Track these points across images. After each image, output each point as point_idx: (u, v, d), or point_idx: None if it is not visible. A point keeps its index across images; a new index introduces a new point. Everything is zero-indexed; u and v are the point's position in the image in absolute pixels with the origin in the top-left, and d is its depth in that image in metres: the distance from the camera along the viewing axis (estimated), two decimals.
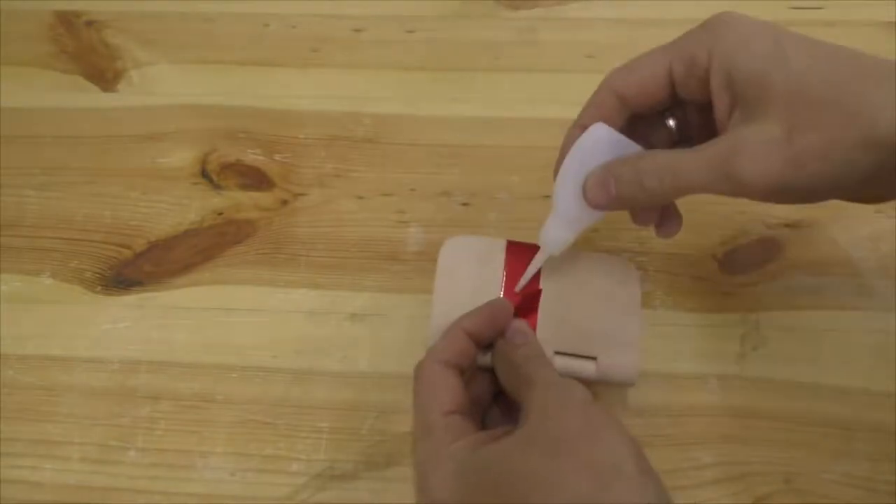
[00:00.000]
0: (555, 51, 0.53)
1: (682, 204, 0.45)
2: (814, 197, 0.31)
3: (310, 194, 0.46)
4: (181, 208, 0.46)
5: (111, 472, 0.37)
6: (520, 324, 0.35)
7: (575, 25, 0.55)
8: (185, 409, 0.38)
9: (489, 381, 0.35)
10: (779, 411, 0.37)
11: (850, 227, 0.44)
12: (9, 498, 0.36)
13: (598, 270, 0.38)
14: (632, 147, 0.34)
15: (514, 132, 0.49)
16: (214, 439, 0.37)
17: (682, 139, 0.36)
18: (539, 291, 0.37)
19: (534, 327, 0.36)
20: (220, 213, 0.46)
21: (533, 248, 0.37)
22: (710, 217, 0.44)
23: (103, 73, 0.53)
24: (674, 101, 0.34)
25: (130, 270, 0.43)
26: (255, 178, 0.47)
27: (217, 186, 0.47)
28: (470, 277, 0.37)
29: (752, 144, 0.29)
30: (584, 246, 0.43)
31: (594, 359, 0.35)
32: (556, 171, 0.35)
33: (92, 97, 0.52)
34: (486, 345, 0.35)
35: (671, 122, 0.36)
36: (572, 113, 0.49)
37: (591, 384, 0.36)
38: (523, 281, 0.37)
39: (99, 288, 0.43)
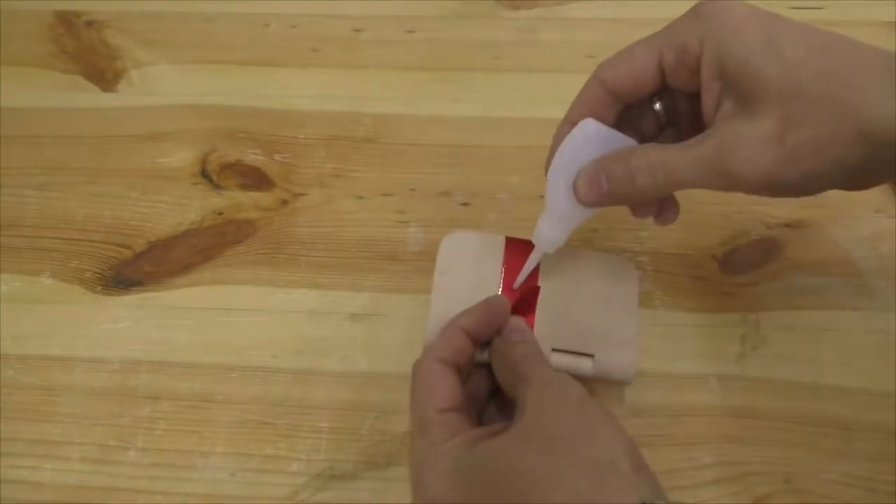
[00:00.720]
0: (555, 51, 0.53)
1: (681, 204, 0.45)
2: (804, 191, 0.30)
3: (310, 194, 0.46)
4: (181, 208, 0.46)
5: (111, 472, 0.37)
6: (517, 321, 0.35)
7: (575, 25, 0.55)
8: (185, 409, 0.38)
9: (486, 378, 0.35)
10: (779, 411, 0.37)
11: (850, 227, 0.44)
12: (9, 498, 0.36)
13: (597, 269, 0.38)
14: (622, 141, 0.33)
15: (514, 132, 0.49)
16: (214, 439, 0.37)
17: (670, 123, 0.35)
18: (537, 289, 0.37)
19: (532, 325, 0.36)
20: (220, 213, 0.46)
21: (532, 245, 0.37)
22: (710, 217, 0.44)
23: (103, 73, 0.53)
24: (662, 88, 0.33)
25: (130, 270, 0.43)
26: (255, 178, 0.47)
27: (217, 186, 0.47)
28: (468, 274, 0.37)
29: (746, 141, 0.29)
30: (584, 245, 0.43)
31: (591, 356, 0.35)
32: (546, 168, 0.35)
33: (92, 97, 0.52)
34: (485, 342, 0.35)
35: (658, 107, 0.35)
36: None
37: (589, 382, 0.36)
38: (520, 279, 0.37)
39: (99, 288, 0.43)
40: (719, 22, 0.30)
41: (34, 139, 0.50)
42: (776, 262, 0.43)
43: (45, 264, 0.44)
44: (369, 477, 0.36)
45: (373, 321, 0.41)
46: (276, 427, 0.38)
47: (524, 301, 0.36)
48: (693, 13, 0.32)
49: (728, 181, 0.30)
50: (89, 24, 0.56)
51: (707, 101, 0.31)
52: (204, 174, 0.47)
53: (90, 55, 0.54)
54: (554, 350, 0.35)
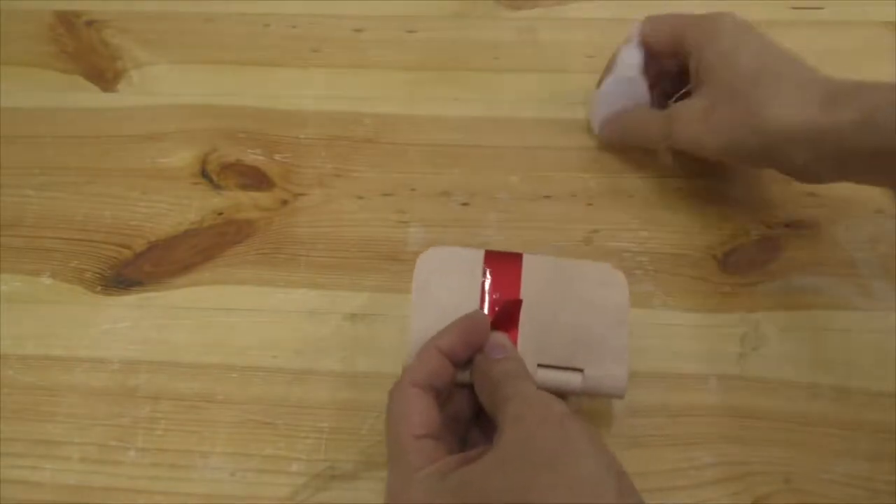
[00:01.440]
0: (555, 51, 0.53)
1: (682, 204, 0.45)
2: (737, 158, 0.41)
3: (310, 194, 0.46)
4: (181, 208, 0.46)
5: (111, 472, 0.37)
6: (499, 337, 0.34)
7: (575, 25, 0.55)
8: (185, 409, 0.38)
9: (469, 399, 0.34)
10: (779, 411, 0.37)
11: (850, 227, 0.44)
12: (9, 498, 0.36)
13: (583, 278, 0.36)
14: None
15: (514, 132, 0.49)
16: (214, 439, 0.37)
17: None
18: (519, 302, 0.35)
19: (515, 340, 0.34)
20: (220, 213, 0.46)
21: (512, 257, 0.36)
22: (710, 217, 0.44)
23: (103, 73, 0.53)
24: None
25: (130, 270, 0.43)
26: (255, 178, 0.47)
27: (217, 186, 0.47)
28: (447, 290, 0.36)
29: (684, 113, 0.41)
30: (585, 245, 0.43)
31: (580, 371, 0.34)
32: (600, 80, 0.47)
33: (92, 97, 0.52)
34: (465, 362, 0.33)
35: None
36: (572, 113, 0.50)
37: (579, 398, 0.36)
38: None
39: (99, 288, 0.43)
40: (712, 27, 0.41)
41: (34, 139, 0.50)
42: (776, 262, 0.43)
43: (45, 264, 0.44)
44: (369, 477, 0.36)
45: (373, 321, 0.41)
46: (276, 427, 0.38)
47: (505, 315, 0.35)
48: (707, 15, 0.42)
49: (673, 140, 0.42)
50: (89, 24, 0.56)
51: (691, 79, 0.42)
52: (204, 174, 0.47)
53: (90, 55, 0.54)
54: (540, 366, 0.34)
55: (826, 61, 0.52)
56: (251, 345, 0.40)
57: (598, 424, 0.38)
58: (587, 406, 0.38)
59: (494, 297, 0.35)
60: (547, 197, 0.46)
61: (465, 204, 0.46)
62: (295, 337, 0.41)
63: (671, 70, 0.45)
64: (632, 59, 0.44)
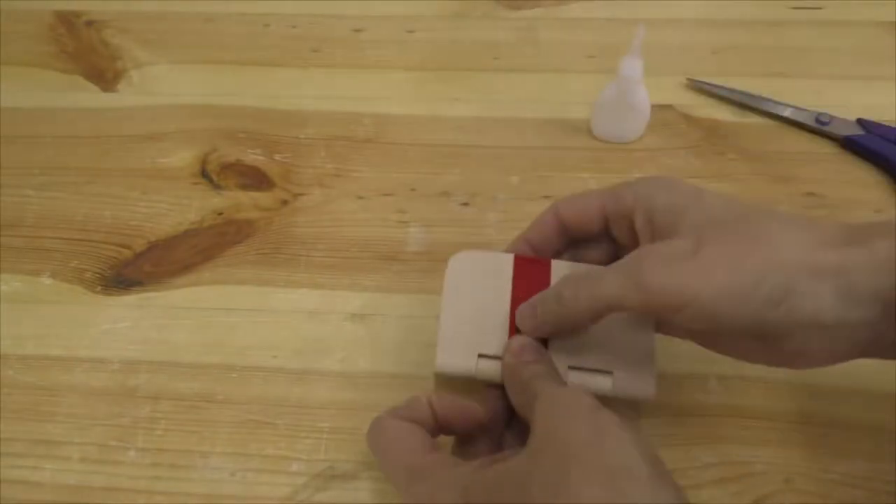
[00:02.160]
0: (555, 51, 0.53)
1: None
2: (727, 323, 0.29)
3: (310, 194, 0.46)
4: (181, 208, 0.46)
5: (111, 472, 0.37)
6: (528, 341, 0.34)
7: (575, 25, 0.55)
8: (185, 409, 0.38)
9: (502, 401, 0.34)
10: (779, 411, 0.37)
11: None
12: (9, 498, 0.36)
13: None
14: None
15: (514, 132, 0.49)
16: (214, 439, 0.37)
17: None
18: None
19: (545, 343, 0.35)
20: (220, 213, 0.46)
21: (541, 263, 0.36)
22: None
23: (103, 73, 0.53)
24: (613, 249, 0.36)
25: (130, 270, 0.43)
26: (255, 178, 0.47)
27: (217, 186, 0.47)
28: (478, 294, 0.36)
29: (661, 253, 0.30)
30: None
31: (610, 373, 0.34)
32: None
33: (92, 97, 0.52)
34: (446, 432, 0.33)
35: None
36: (572, 113, 0.50)
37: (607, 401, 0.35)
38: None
39: (99, 288, 0.43)
40: (653, 182, 0.34)
41: (34, 139, 0.50)
42: None
43: (45, 264, 0.44)
44: (369, 477, 0.36)
45: (373, 321, 0.41)
46: (276, 427, 0.38)
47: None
48: (638, 179, 0.35)
49: (644, 293, 0.30)
50: (89, 24, 0.56)
51: (642, 244, 0.33)
52: (204, 174, 0.47)
53: (90, 55, 0.54)
54: (570, 368, 0.34)
55: (826, 61, 0.52)
56: (251, 345, 0.40)
57: None
58: None
59: (524, 301, 0.35)
60: (547, 197, 0.46)
61: (465, 204, 0.46)
62: (295, 337, 0.41)
63: (595, 259, 0.37)
64: (632, 68, 0.44)
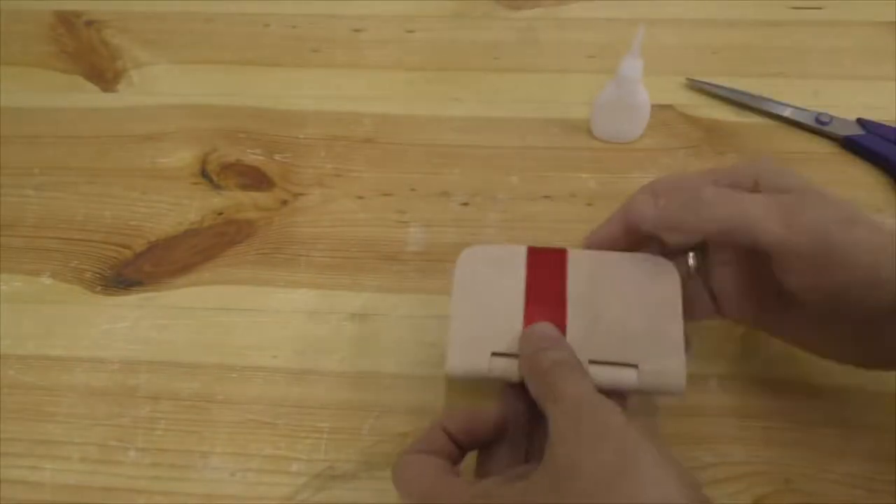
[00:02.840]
0: (555, 51, 0.53)
1: None
2: (849, 317, 0.30)
3: (310, 194, 0.46)
4: (181, 208, 0.46)
5: (111, 472, 0.37)
6: (546, 327, 0.32)
7: (575, 25, 0.55)
8: (185, 409, 0.38)
9: (522, 400, 0.32)
10: (779, 411, 0.37)
11: None
12: (9, 498, 0.36)
13: (632, 270, 0.34)
14: None
15: (514, 132, 0.49)
16: (214, 439, 0.37)
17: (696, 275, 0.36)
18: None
19: (563, 332, 0.33)
20: (220, 213, 0.46)
21: (556, 253, 0.35)
22: None
23: (103, 73, 0.53)
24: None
25: (130, 270, 0.43)
26: (255, 178, 0.47)
27: (217, 186, 0.47)
28: (489, 289, 0.34)
29: (823, 204, 0.30)
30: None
31: (635, 366, 0.32)
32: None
33: (92, 97, 0.52)
34: (469, 449, 0.32)
35: (691, 262, 0.35)
36: (572, 113, 0.50)
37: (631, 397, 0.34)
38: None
39: (99, 288, 0.43)
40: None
41: (34, 139, 0.50)
42: None
43: (45, 264, 0.44)
44: (369, 477, 0.36)
45: (373, 321, 0.41)
46: (276, 427, 0.38)
47: (552, 306, 0.33)
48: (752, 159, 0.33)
49: (792, 235, 0.29)
50: (89, 24, 0.56)
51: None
52: (204, 174, 0.47)
53: (90, 55, 0.54)
54: (591, 362, 0.32)
55: (826, 61, 0.52)
56: (251, 345, 0.40)
57: None
58: None
59: (538, 294, 0.34)
60: (547, 197, 0.46)
61: (465, 204, 0.46)
62: (295, 337, 0.41)
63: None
64: (632, 68, 0.44)
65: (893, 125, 0.47)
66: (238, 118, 0.50)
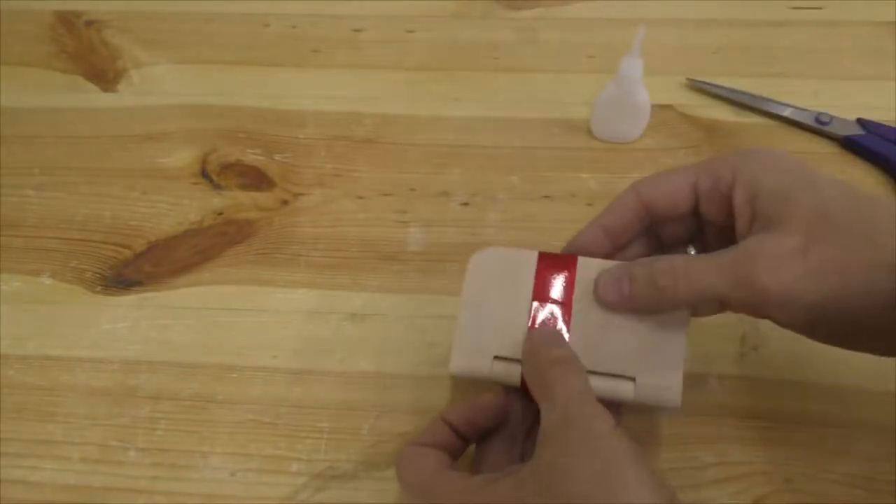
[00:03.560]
0: (555, 51, 0.53)
1: None
2: (829, 323, 0.30)
3: (310, 194, 0.46)
4: (181, 208, 0.46)
5: (111, 472, 0.37)
6: (551, 331, 0.33)
7: (575, 25, 0.55)
8: (185, 409, 0.38)
9: (521, 403, 0.33)
10: (779, 411, 0.37)
11: None
12: (9, 498, 0.36)
13: None
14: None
15: (514, 132, 0.49)
16: (214, 439, 0.37)
17: None
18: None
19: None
20: (220, 213, 0.46)
21: (566, 259, 0.35)
22: None
23: (103, 73, 0.53)
24: (695, 225, 0.34)
25: (130, 270, 0.43)
26: (255, 178, 0.47)
27: (217, 186, 0.47)
28: (497, 293, 0.34)
29: (769, 251, 0.29)
30: None
31: (632, 379, 0.32)
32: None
33: (92, 97, 0.52)
34: (472, 439, 0.33)
35: (692, 251, 0.35)
36: (572, 113, 0.50)
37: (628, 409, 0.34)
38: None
39: (99, 288, 0.43)
40: (755, 157, 0.32)
41: (34, 139, 0.50)
42: None
43: (45, 264, 0.44)
44: (369, 477, 0.36)
45: (373, 321, 0.41)
46: (276, 427, 0.38)
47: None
48: (733, 152, 0.33)
49: (749, 291, 0.29)
50: (89, 24, 0.56)
51: (740, 226, 0.32)
52: (204, 174, 0.47)
53: (90, 55, 0.54)
54: (591, 373, 0.32)
55: (826, 61, 0.52)
56: (251, 345, 0.40)
57: None
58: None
59: (545, 301, 0.34)
60: (547, 197, 0.46)
61: (465, 204, 0.46)
62: (295, 337, 0.41)
63: (673, 236, 0.35)
64: (632, 68, 0.44)
65: (893, 125, 0.47)
66: (238, 118, 0.50)
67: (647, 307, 0.32)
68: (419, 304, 0.41)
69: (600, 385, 0.32)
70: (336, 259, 0.43)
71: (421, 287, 0.42)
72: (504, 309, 0.34)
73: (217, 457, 0.37)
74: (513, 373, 0.33)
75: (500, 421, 0.33)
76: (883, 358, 0.32)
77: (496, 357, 0.33)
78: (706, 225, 0.34)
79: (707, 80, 0.51)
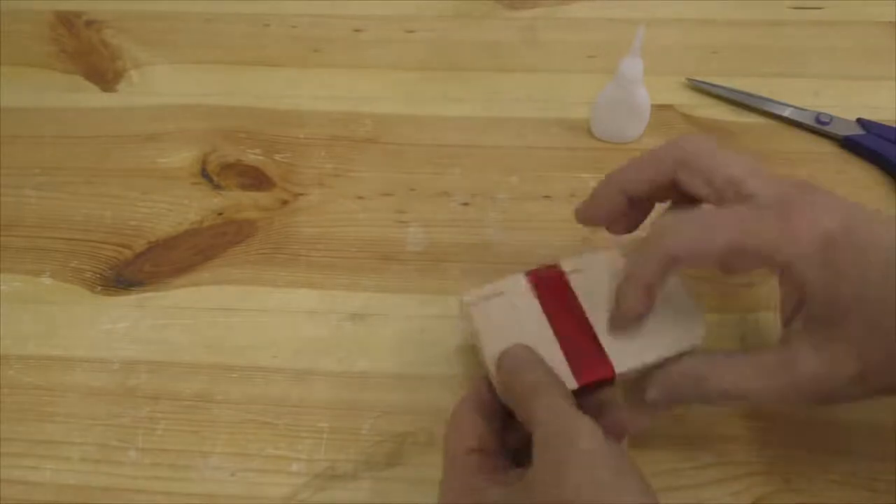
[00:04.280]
0: (555, 51, 0.53)
1: None
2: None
3: (310, 194, 0.46)
4: (181, 208, 0.46)
5: (111, 472, 0.37)
6: (520, 351, 0.32)
7: (575, 25, 0.55)
8: (185, 409, 0.38)
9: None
10: (779, 411, 0.37)
11: None
12: (9, 498, 0.36)
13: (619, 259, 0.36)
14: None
15: (514, 132, 0.49)
16: (215, 439, 0.37)
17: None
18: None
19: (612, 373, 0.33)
20: (220, 213, 0.46)
21: (550, 269, 0.35)
22: None
23: (103, 73, 0.53)
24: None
25: (130, 270, 0.43)
26: (255, 178, 0.47)
27: (217, 186, 0.47)
28: (513, 326, 0.34)
29: (825, 377, 0.29)
30: (583, 244, 0.43)
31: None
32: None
33: (92, 97, 0.52)
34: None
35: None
36: (572, 113, 0.50)
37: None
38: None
39: (99, 288, 0.43)
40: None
41: (34, 139, 0.50)
42: None
43: (45, 264, 0.44)
44: (369, 477, 0.36)
45: (373, 321, 0.41)
46: (276, 427, 0.38)
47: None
48: (777, 206, 0.30)
49: (789, 403, 0.30)
50: (89, 24, 0.56)
51: (785, 302, 0.33)
52: (204, 174, 0.47)
53: (90, 55, 0.54)
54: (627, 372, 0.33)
55: (826, 61, 0.52)
56: (251, 345, 0.40)
57: None
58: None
59: (560, 317, 0.34)
60: (547, 197, 0.46)
61: (465, 204, 0.46)
62: (295, 337, 0.41)
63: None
64: (632, 68, 0.44)
65: (893, 125, 0.47)
66: (238, 118, 0.50)
67: (686, 401, 0.33)
68: (419, 304, 0.41)
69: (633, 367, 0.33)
70: (336, 259, 0.43)
71: (421, 287, 0.42)
72: (528, 338, 0.33)
73: (217, 457, 0.37)
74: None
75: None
76: None
77: None
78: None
79: (707, 80, 0.51)
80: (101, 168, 0.48)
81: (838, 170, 0.46)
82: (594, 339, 0.33)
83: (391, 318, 0.41)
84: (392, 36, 0.54)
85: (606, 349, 0.33)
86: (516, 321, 0.34)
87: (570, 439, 0.27)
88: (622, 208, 0.35)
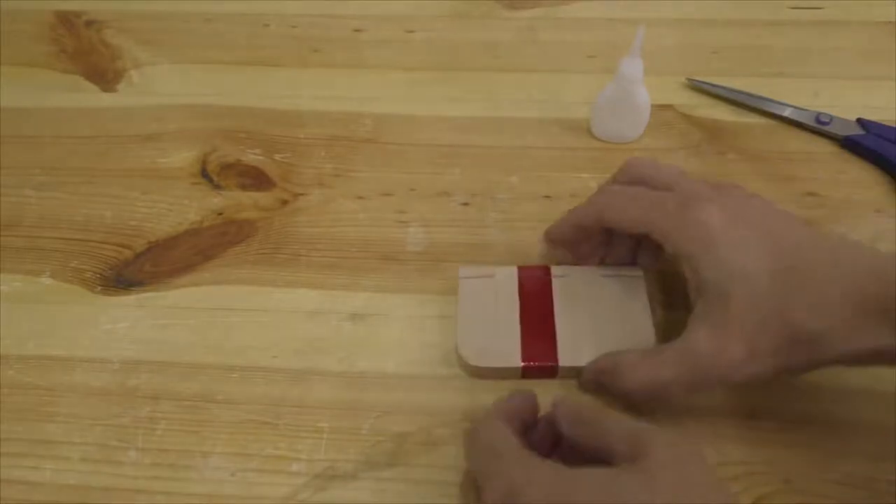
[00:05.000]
0: (555, 51, 0.53)
1: None
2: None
3: (310, 194, 0.46)
4: (181, 208, 0.46)
5: (111, 472, 0.37)
6: (569, 404, 0.33)
7: (575, 25, 0.55)
8: (185, 409, 0.38)
9: (548, 429, 0.33)
10: (779, 411, 0.37)
11: (850, 226, 0.44)
12: (9, 498, 0.36)
13: (603, 279, 0.40)
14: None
15: (514, 132, 0.49)
16: (215, 439, 0.37)
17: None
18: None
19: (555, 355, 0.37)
20: (220, 213, 0.46)
21: (540, 269, 0.40)
22: None
23: (103, 73, 0.53)
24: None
25: (130, 270, 0.43)
26: (255, 178, 0.47)
27: (217, 186, 0.47)
28: (489, 304, 0.39)
29: (717, 360, 0.32)
30: None
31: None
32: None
33: (92, 97, 0.52)
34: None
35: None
36: (572, 113, 0.50)
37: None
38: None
39: (99, 288, 0.43)
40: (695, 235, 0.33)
41: (34, 139, 0.50)
42: None
43: (45, 264, 0.44)
44: (369, 477, 0.36)
45: (373, 321, 0.41)
46: (276, 427, 0.38)
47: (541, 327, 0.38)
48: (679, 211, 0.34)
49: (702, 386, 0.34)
50: (89, 24, 0.56)
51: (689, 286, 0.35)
52: (204, 174, 0.47)
53: (90, 55, 0.54)
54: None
55: (826, 61, 0.52)
56: (251, 345, 0.40)
57: None
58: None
59: (527, 303, 0.39)
60: (547, 197, 0.46)
61: (465, 204, 0.46)
62: (295, 337, 0.41)
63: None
64: (632, 68, 0.44)
65: (893, 125, 0.47)
66: (238, 118, 0.50)
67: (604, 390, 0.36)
68: (419, 304, 0.41)
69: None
70: (336, 259, 0.43)
71: (421, 287, 0.42)
72: (497, 319, 0.38)
73: (217, 457, 0.37)
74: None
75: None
76: None
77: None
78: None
79: (707, 80, 0.51)
80: (101, 168, 0.48)
81: (838, 170, 0.46)
82: (552, 333, 0.38)
83: (391, 318, 0.41)
84: (392, 36, 0.54)
85: (559, 344, 0.37)
86: (493, 300, 0.39)
87: (686, 447, 0.29)
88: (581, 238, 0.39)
